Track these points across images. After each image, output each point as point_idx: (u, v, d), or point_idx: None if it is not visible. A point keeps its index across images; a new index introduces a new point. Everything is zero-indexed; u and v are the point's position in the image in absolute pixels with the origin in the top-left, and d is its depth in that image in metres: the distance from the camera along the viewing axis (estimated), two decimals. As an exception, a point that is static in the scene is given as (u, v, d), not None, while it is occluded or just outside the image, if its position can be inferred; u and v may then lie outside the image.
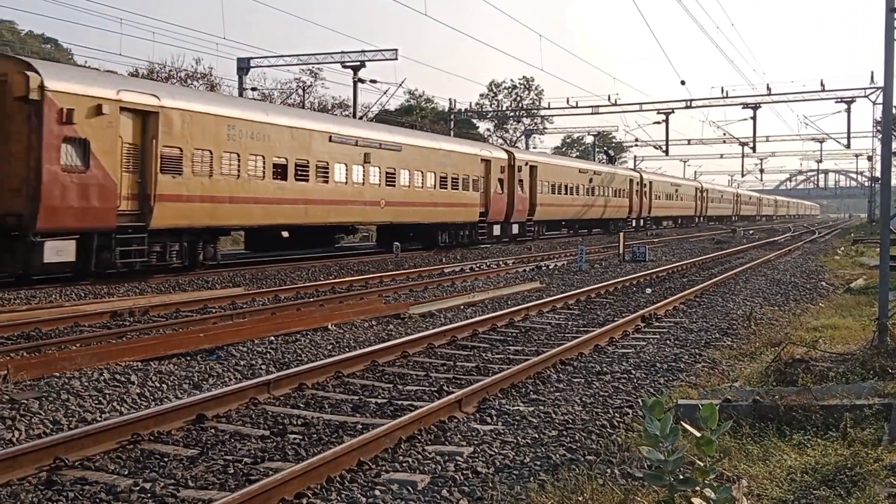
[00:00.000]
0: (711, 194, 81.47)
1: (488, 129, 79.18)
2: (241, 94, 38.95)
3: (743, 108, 52.56)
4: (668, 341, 11.30)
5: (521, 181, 36.21)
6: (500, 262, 25.46)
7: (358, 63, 40.76)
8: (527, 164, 37.54)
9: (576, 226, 47.73)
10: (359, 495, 5.26)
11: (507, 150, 38.26)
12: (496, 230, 34.65)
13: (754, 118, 53.93)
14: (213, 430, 6.73)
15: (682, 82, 71.32)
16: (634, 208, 55.44)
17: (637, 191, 55.49)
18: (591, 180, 46.52)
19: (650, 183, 59.25)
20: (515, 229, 36.71)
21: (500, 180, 34.63)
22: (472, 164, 32.68)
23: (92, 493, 5.25)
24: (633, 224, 55.80)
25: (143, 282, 17.45)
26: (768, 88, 50.25)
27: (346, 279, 19.08)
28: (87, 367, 8.67)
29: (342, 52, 40.98)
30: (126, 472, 5.70)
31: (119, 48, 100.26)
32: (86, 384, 7.96)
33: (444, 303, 14.95)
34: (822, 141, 75.29)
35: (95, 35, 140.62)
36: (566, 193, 42.78)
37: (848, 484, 5.11)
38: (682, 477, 4.26)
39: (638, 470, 5.48)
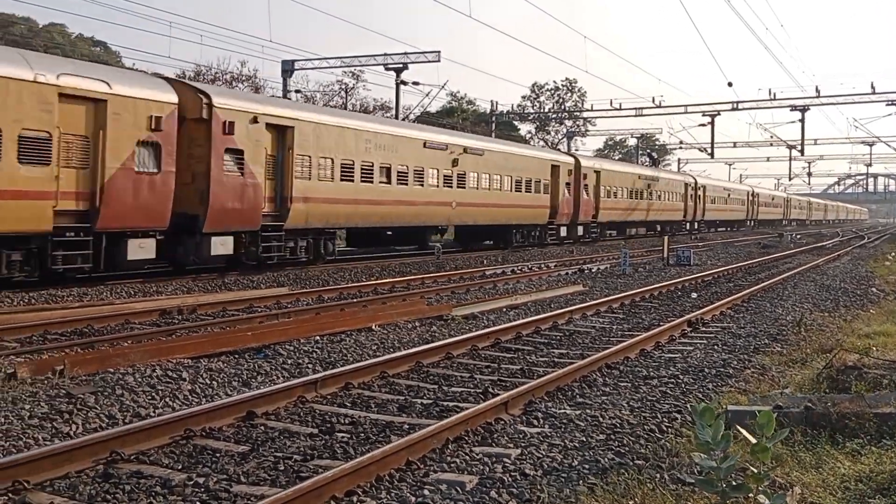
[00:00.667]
0: (762, 198, 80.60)
1: (530, 132, 78.94)
2: (284, 96, 39.34)
3: (791, 110, 51.81)
4: (715, 346, 11.18)
5: (586, 186, 38.47)
6: (542, 265, 25.38)
7: (401, 65, 40.95)
8: (592, 169, 39.62)
9: (634, 228, 48.78)
10: (408, 494, 5.30)
11: (573, 156, 40.23)
12: (563, 231, 37.02)
13: (802, 120, 53.05)
14: (262, 427, 6.83)
15: (729, 84, 70.85)
16: (689, 212, 56.65)
17: (691, 195, 56.40)
18: (649, 185, 48.19)
19: (703, 187, 59.72)
20: (581, 231, 38.87)
21: (568, 184, 36.70)
22: (542, 169, 34.77)
23: (147, 487, 5.36)
24: (687, 227, 57.07)
25: (190, 280, 17.74)
26: (817, 90, 49.52)
27: (388, 280, 19.18)
28: (140, 363, 8.84)
29: (385, 55, 41.20)
30: (180, 467, 5.81)
31: (168, 51, 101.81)
32: (139, 380, 8.12)
33: (487, 305, 14.96)
34: (871, 144, 73.96)
35: (145, 38, 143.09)
36: (627, 197, 44.75)
37: (904, 493, 5.02)
38: (734, 483, 4.24)
39: (689, 476, 5.45)
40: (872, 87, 48.13)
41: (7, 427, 6.48)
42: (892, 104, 49.09)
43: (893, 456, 5.72)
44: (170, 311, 13.39)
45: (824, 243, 46.16)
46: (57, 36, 60.58)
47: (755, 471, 4.18)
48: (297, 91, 45.83)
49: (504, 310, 14.70)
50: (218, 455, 6.07)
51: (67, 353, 9.34)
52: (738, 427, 4.58)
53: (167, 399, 7.64)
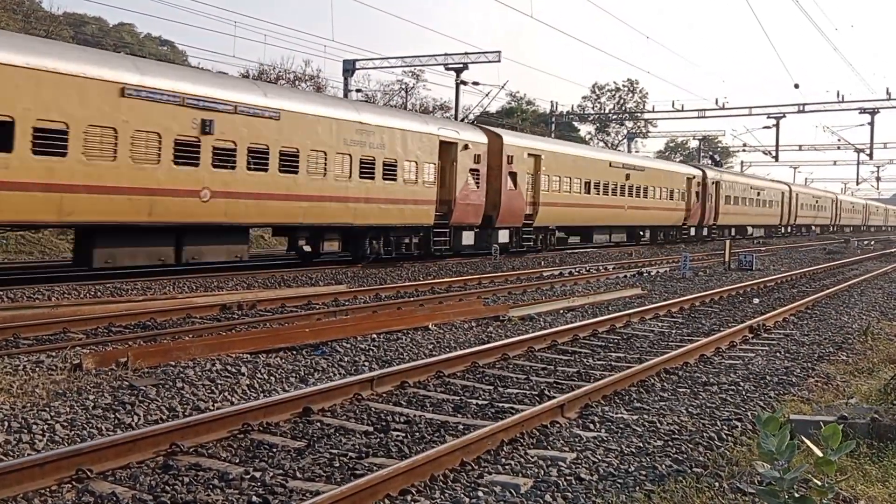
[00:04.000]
0: (845, 205, 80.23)
1: (589, 133, 78.29)
2: (345, 96, 39.71)
3: (860, 112, 50.50)
4: (778, 354, 10.92)
5: (710, 194, 46.43)
6: (600, 267, 25.14)
7: (461, 65, 40.95)
8: (713, 181, 47.05)
9: (750, 229, 55.75)
10: (462, 495, 5.28)
11: (700, 168, 48.01)
12: (693, 231, 45.41)
13: (872, 123, 51.60)
14: (318, 424, 6.89)
15: (796, 86, 69.05)
16: (784, 216, 62.27)
17: (786, 201, 61.66)
18: (759, 193, 55.64)
19: (796, 194, 64.80)
20: (705, 231, 47.34)
21: (697, 193, 44.75)
22: (680, 181, 43.31)
23: (206, 479, 5.45)
24: (782, 231, 63.41)
25: (251, 276, 18.02)
26: (888, 92, 48.10)
27: (445, 280, 19.20)
28: (200, 357, 9.00)
29: (445, 55, 41.25)
30: (237, 461, 5.89)
31: (233, 50, 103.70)
32: (199, 373, 8.26)
33: (544, 306, 14.86)
34: (945, 148, 71.42)
35: (211, 37, 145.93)
36: (741, 204, 51.87)
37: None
38: (797, 495, 4.12)
39: (749, 485, 5.32)
40: (947, 89, 46.55)
41: (72, 417, 6.65)
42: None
43: (965, 471, 5.51)
44: (230, 306, 13.61)
45: (893, 250, 44.76)
46: (126, 35, 62.20)
47: (819, 483, 4.06)
48: (358, 90, 46.23)
49: (561, 311, 14.59)
50: (274, 450, 6.14)
51: (131, 346, 9.55)
52: (803, 438, 4.46)
53: (226, 393, 7.75)
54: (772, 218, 59.38)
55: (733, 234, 51.42)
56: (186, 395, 7.54)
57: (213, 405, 7.34)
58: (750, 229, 54.55)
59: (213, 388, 7.84)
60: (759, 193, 55.35)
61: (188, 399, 7.42)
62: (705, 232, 46.93)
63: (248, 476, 5.49)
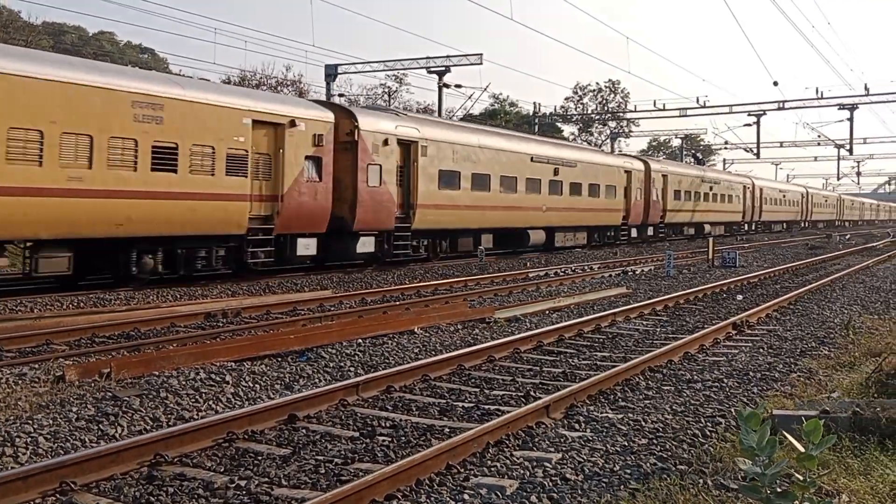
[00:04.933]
0: (816, 199, 79.87)
1: (573, 133, 78.52)
2: (328, 100, 39.66)
3: (839, 108, 50.82)
4: (760, 350, 11.00)
5: (656, 189, 42.51)
6: (586, 267, 25.22)
7: (443, 68, 41.01)
8: (660, 173, 43.39)
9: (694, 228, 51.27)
10: (448, 498, 5.30)
11: (643, 160, 43.55)
12: (634, 232, 40.90)
13: (851, 119, 51.99)
14: (304, 430, 6.88)
15: (775, 83, 69.43)
16: (748, 212, 58.94)
17: (749, 196, 57.98)
18: (712, 188, 51.35)
19: (761, 189, 60.52)
20: (650, 231, 43.47)
21: (639, 189, 40.51)
22: (618, 176, 38.10)
23: (190, 489, 5.43)
24: (745, 228, 59.71)
25: (234, 284, 17.96)
26: (866, 88, 48.59)
27: (431, 283, 19.21)
28: (185, 366, 8.97)
29: (428, 58, 41.30)
30: (222, 470, 5.87)
31: (213, 57, 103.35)
32: (183, 383, 8.22)
33: (530, 307, 14.90)
34: (924, 142, 72.13)
35: (190, 45, 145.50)
36: (693, 200, 48.08)
37: (957, 502, 4.87)
38: (779, 490, 4.15)
39: (732, 481, 5.36)
40: (925, 83, 47.01)
41: (55, 429, 6.62)
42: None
43: (946, 463, 5.56)
44: (214, 314, 13.57)
45: (874, 244, 45.15)
46: (106, 44, 61.84)
47: (800, 478, 4.09)
48: (341, 95, 46.20)
49: (547, 312, 14.63)
50: (260, 458, 6.13)
51: (114, 357, 9.51)
52: (785, 433, 4.50)
53: (210, 402, 7.73)
54: (733, 214, 55.72)
55: (686, 233, 48.15)
56: (170, 404, 7.51)
57: (197, 414, 7.32)
58: (707, 227, 49.82)
59: (197, 397, 7.81)
60: (711, 188, 50.65)
61: (172, 409, 7.39)
62: (650, 232, 42.74)
63: (234, 485, 5.48)
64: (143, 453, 5.89)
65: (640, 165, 41.13)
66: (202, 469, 5.87)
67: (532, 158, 30.15)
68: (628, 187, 38.63)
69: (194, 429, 6.40)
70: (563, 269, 24.20)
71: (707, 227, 50.73)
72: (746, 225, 59.83)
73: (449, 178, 25.35)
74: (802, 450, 4.06)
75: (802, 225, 76.41)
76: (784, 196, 68.65)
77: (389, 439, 6.64)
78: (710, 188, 50.41)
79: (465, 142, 26.57)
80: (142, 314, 13.08)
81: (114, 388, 8.03)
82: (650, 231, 42.69)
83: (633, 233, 40.32)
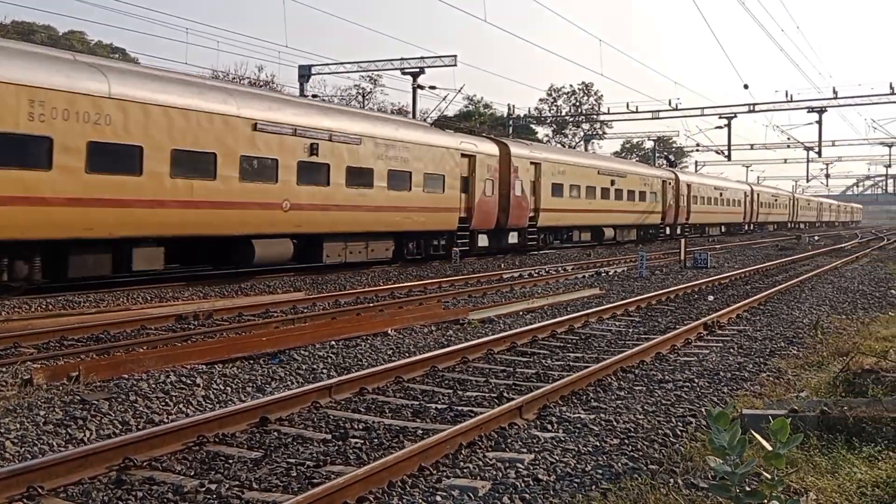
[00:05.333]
0: (763, 198, 77.14)
1: (547, 135, 78.83)
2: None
3: (808, 111, 51.53)
4: (731, 350, 11.10)
5: (682, 195, 51.52)
6: (560, 269, 25.32)
7: (417, 69, 41.00)
8: (686, 183, 52.15)
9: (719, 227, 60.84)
10: (420, 500, 5.29)
11: (674, 172, 52.96)
12: (668, 230, 50.38)
13: (820, 122, 52.73)
14: (276, 433, 6.83)
15: (746, 86, 69.64)
16: (748, 214, 66.21)
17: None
18: (722, 193, 59.41)
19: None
20: (679, 230, 51.06)
21: (672, 195, 49.73)
22: (657, 184, 47.65)
23: (160, 493, 5.38)
24: (745, 227, 67.56)
25: (206, 286, 17.82)
26: (835, 92, 49.22)
27: (406, 284, 19.19)
28: (155, 369, 8.88)
29: (402, 59, 41.27)
30: (192, 473, 5.82)
31: (185, 57, 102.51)
32: (153, 386, 8.14)
33: (504, 309, 14.93)
34: (890, 145, 73.30)
35: (162, 44, 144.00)
36: (708, 204, 56.72)
37: (922, 499, 4.94)
38: (748, 489, 4.19)
39: (702, 480, 5.40)
40: (891, 87, 47.86)
41: (23, 433, 6.52)
42: (912, 104, 48.65)
43: (912, 461, 5.64)
44: (186, 316, 13.45)
45: (843, 245, 45.76)
46: (76, 43, 61.12)
47: (769, 476, 4.13)
48: (315, 96, 46.01)
49: (521, 313, 14.67)
50: (230, 461, 6.08)
51: (83, 360, 9.39)
52: (754, 432, 4.53)
53: (181, 405, 7.66)
54: (737, 216, 64.32)
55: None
56: (140, 408, 7.43)
57: (167, 418, 7.25)
58: (718, 227, 59.63)
59: (167, 400, 7.74)
60: (721, 193, 59.66)
61: (142, 412, 7.32)
62: (679, 230, 50.96)
63: (203, 489, 5.43)
64: (111, 457, 5.81)
65: (671, 176, 50.83)
66: (172, 473, 5.81)
67: (598, 171, 38.21)
68: (663, 193, 48.11)
69: (164, 432, 6.34)
70: (537, 271, 24.28)
71: (718, 227, 56.65)
72: (747, 225, 64.48)
73: (557, 189, 34.05)
74: (771, 449, 4.10)
75: (790, 225, 79.70)
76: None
77: (362, 441, 6.61)
78: (721, 194, 58.07)
79: (564, 161, 35.28)
80: (111, 317, 12.94)
81: (82, 391, 7.92)
82: (679, 230, 50.85)
83: (668, 230, 49.59)
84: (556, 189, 34.48)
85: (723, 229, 63.04)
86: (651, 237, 48.26)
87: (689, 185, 53.33)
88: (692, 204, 53.42)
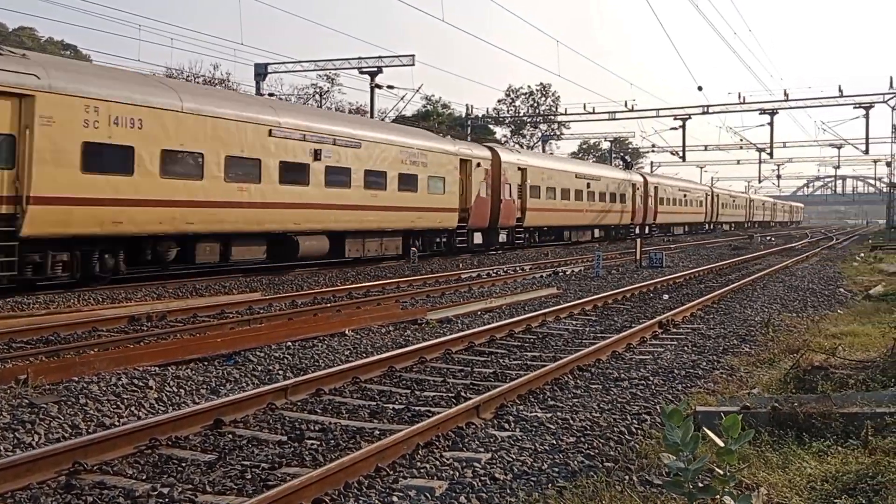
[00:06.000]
0: (723, 199, 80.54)
1: (505, 135, 79.13)
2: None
3: (760, 113, 52.46)
4: (685, 348, 11.24)
5: (650, 196, 54.75)
6: (517, 268, 25.43)
7: (375, 69, 40.88)
8: (652, 185, 55.35)
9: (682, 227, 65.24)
10: (377, 501, 5.26)
11: (642, 175, 57.36)
12: (637, 229, 52.34)
13: (771, 124, 53.70)
14: (230, 436, 6.75)
15: (699, 88, 70.67)
16: (708, 214, 70.87)
17: (709, 202, 70.03)
18: (685, 195, 63.59)
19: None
20: (647, 229, 55.01)
21: (640, 196, 52.89)
22: (629, 186, 50.83)
23: (110, 498, 5.28)
24: (706, 227, 72.36)
25: (160, 286, 17.57)
26: (785, 94, 50.17)
27: (364, 284, 19.10)
28: (106, 371, 8.71)
29: (359, 58, 41.13)
30: (144, 477, 5.72)
31: (138, 54, 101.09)
32: (104, 389, 8.00)
33: (462, 308, 14.94)
34: (839, 147, 74.99)
35: (114, 41, 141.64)
36: (672, 205, 60.20)
37: (869, 493, 5.05)
38: (701, 485, 4.23)
39: (657, 477, 5.45)
40: (840, 90, 48.95)
41: (-32, 438, 6.35)
42: (859, 107, 49.76)
43: (860, 456, 5.76)
44: (139, 317, 13.23)
45: (794, 245, 46.66)
46: (27, 40, 59.87)
47: (721, 472, 4.19)
48: (271, 94, 45.61)
49: (479, 313, 14.69)
50: (184, 464, 5.99)
51: (31, 362, 9.19)
52: (706, 429, 4.59)
53: (132, 408, 7.53)
54: (699, 216, 68.97)
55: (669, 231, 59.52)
56: (90, 411, 7.28)
57: (118, 421, 7.11)
58: (682, 227, 63.89)
59: (118, 402, 7.60)
60: (685, 195, 63.63)
61: (92, 415, 7.17)
62: (647, 230, 54.14)
63: (156, 493, 5.34)
64: (60, 461, 5.69)
65: (640, 179, 54.38)
66: (123, 477, 5.70)
67: (576, 175, 41.40)
68: (633, 195, 51.31)
69: (115, 435, 6.22)
70: (495, 271, 24.35)
71: (681, 227, 60.55)
72: (707, 224, 68.64)
73: (541, 192, 36.70)
74: (723, 445, 4.16)
75: (746, 225, 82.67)
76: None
77: (318, 443, 6.56)
78: (685, 195, 60.97)
79: (547, 166, 37.94)
80: (62, 318, 12.67)
81: (31, 394, 7.75)
82: (647, 229, 54.50)
83: (637, 229, 51.82)
84: (540, 192, 37.88)
85: (686, 228, 67.09)
86: (623, 236, 51.15)
87: (656, 188, 56.51)
88: (659, 205, 56.64)
